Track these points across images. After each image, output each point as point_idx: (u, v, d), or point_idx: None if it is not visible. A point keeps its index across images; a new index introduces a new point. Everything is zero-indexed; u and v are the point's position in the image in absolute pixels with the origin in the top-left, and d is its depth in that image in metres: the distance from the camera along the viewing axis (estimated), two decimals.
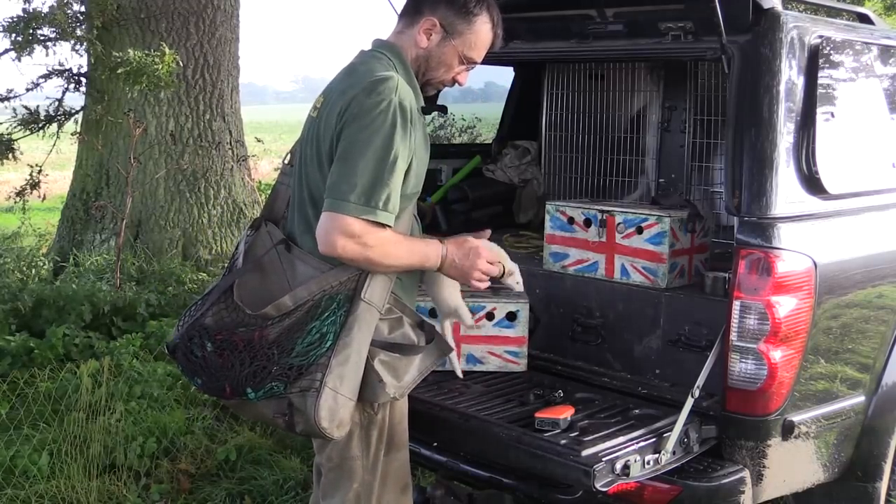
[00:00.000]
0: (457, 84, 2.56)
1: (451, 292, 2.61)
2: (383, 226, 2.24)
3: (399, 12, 2.56)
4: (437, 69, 2.48)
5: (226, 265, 2.73)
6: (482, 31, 2.48)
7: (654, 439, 2.55)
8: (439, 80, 2.51)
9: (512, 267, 2.58)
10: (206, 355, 2.33)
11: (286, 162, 2.62)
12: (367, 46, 2.52)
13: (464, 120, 12.61)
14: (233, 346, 2.29)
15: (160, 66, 5.79)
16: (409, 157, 2.30)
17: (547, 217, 3.27)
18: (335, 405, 2.25)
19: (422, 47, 2.45)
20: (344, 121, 2.27)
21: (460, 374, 3.02)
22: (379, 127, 2.23)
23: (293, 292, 2.30)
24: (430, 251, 2.40)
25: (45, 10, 6.32)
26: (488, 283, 2.49)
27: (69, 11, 6.48)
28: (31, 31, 6.18)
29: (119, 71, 5.80)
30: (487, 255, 2.47)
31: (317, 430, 2.24)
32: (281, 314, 2.28)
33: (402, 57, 2.45)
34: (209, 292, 2.44)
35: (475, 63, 2.53)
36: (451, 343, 2.78)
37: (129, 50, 5.94)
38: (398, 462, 2.49)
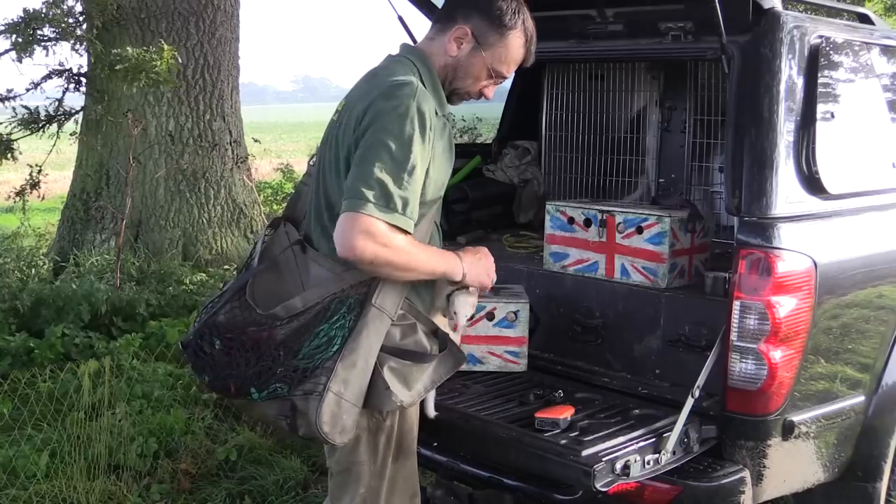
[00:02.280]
0: (483, 97, 2.50)
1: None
2: (403, 231, 2.19)
3: (399, 15, 2.55)
4: (465, 79, 2.43)
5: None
6: (514, 45, 2.42)
7: (654, 439, 2.55)
8: (465, 90, 2.45)
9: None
10: (213, 352, 2.31)
11: (311, 163, 2.57)
12: (395, 51, 2.48)
13: (464, 120, 12.62)
14: (240, 345, 2.27)
15: (159, 63, 5.78)
16: (427, 163, 2.26)
17: (547, 217, 3.27)
18: (338, 410, 2.22)
19: (451, 55, 2.40)
20: (363, 126, 2.24)
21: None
22: (397, 131, 2.19)
23: (303, 294, 2.27)
24: (451, 262, 2.36)
25: (45, 9, 6.31)
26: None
27: (67, 11, 6.48)
28: (30, 31, 6.17)
29: (118, 67, 5.78)
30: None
31: (318, 434, 2.22)
32: (290, 315, 2.25)
33: (428, 64, 2.40)
34: (225, 290, 2.42)
35: (503, 77, 2.47)
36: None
37: (128, 48, 5.93)
38: (407, 469, 2.46)
